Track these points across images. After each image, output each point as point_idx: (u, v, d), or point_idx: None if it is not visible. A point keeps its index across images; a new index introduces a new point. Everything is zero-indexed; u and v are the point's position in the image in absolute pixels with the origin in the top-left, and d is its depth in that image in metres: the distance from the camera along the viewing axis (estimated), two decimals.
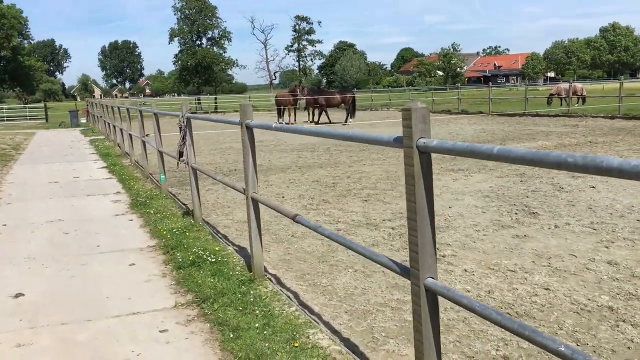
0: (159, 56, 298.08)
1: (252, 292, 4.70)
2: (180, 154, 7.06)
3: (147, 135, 11.71)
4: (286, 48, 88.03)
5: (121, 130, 16.47)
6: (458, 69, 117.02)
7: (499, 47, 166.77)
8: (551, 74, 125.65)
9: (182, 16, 51.49)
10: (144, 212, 8.21)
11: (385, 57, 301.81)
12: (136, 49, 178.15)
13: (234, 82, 60.48)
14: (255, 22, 70.91)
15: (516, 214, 7.49)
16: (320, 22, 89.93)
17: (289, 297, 4.71)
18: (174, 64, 53.44)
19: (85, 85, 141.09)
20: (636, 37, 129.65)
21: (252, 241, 5.00)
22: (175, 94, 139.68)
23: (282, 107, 30.11)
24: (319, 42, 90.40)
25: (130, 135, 14.03)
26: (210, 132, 24.62)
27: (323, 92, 28.83)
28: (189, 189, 10.75)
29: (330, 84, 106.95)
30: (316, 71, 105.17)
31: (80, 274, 5.52)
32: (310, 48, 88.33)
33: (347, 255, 5.97)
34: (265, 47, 64.51)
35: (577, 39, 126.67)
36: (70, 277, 5.43)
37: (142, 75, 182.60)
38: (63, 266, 5.78)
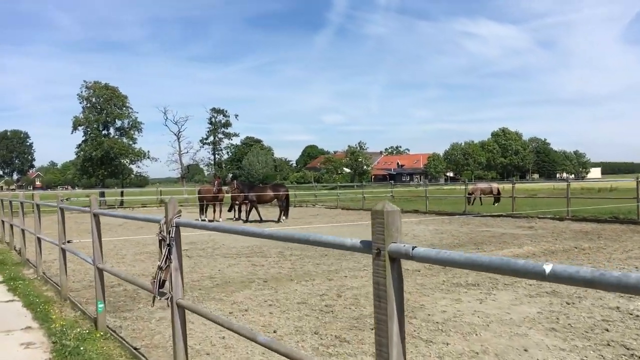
0: (53, 147, 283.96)
1: None
2: (162, 283, 4.41)
3: (69, 241, 8.75)
4: (201, 140, 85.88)
5: (22, 231, 13.10)
6: (365, 167, 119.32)
7: (400, 146, 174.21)
8: (450, 174, 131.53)
9: (89, 104, 48.05)
10: None
11: (289, 153, 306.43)
12: (27, 140, 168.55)
13: (144, 175, 56.60)
14: (168, 113, 68.63)
15: None
16: (237, 115, 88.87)
17: None
18: (76, 154, 49.22)
19: None
20: (524, 142, 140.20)
21: None
22: (69, 187, 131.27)
23: (205, 203, 27.34)
24: (236, 135, 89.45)
25: (39, 239, 10.85)
26: (116, 227, 21.26)
27: (254, 187, 26.51)
28: (129, 317, 7.83)
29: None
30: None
31: None
32: (226, 141, 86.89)
33: None
34: (179, 139, 61.80)
35: (472, 141, 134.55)
36: None
37: (32, 166, 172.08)
38: None
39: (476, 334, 6.39)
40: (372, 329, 6.68)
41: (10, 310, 8.04)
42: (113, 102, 47.99)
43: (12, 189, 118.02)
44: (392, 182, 50.76)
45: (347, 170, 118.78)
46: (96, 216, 6.62)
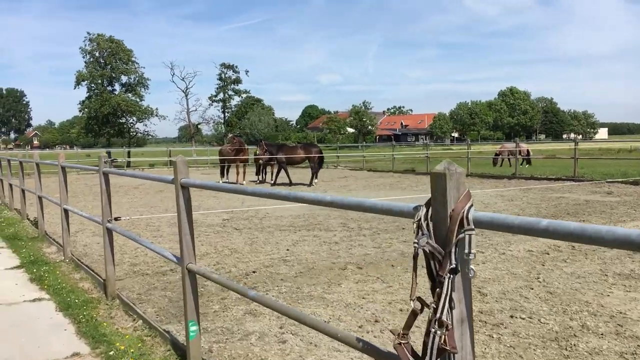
0: (50, 106, 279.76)
1: None
2: (439, 353, 2.03)
3: (116, 219, 6.41)
4: (210, 98, 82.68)
5: (40, 198, 10.72)
6: (370, 127, 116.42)
7: (403, 107, 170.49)
8: (455, 134, 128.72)
9: (92, 59, 44.90)
10: None
11: (286, 113, 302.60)
12: (24, 98, 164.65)
13: (152, 133, 53.58)
14: (175, 69, 65.06)
15: None
16: (247, 71, 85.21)
17: None
18: (80, 111, 46.33)
19: None
20: (532, 101, 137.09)
21: None
22: (67, 146, 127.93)
23: (227, 165, 24.93)
24: (246, 92, 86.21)
25: (66, 212, 8.49)
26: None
27: (283, 147, 24.04)
28: (211, 329, 5.49)
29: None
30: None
31: None
32: (236, 98, 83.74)
33: None
34: (187, 96, 58.70)
35: (479, 101, 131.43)
36: None
37: (29, 125, 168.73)
38: None
39: None
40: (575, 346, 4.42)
41: (41, 317, 5.74)
42: (118, 56, 44.89)
43: (9, 149, 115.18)
44: (425, 142, 48.25)
45: (351, 130, 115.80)
46: (185, 188, 4.17)
